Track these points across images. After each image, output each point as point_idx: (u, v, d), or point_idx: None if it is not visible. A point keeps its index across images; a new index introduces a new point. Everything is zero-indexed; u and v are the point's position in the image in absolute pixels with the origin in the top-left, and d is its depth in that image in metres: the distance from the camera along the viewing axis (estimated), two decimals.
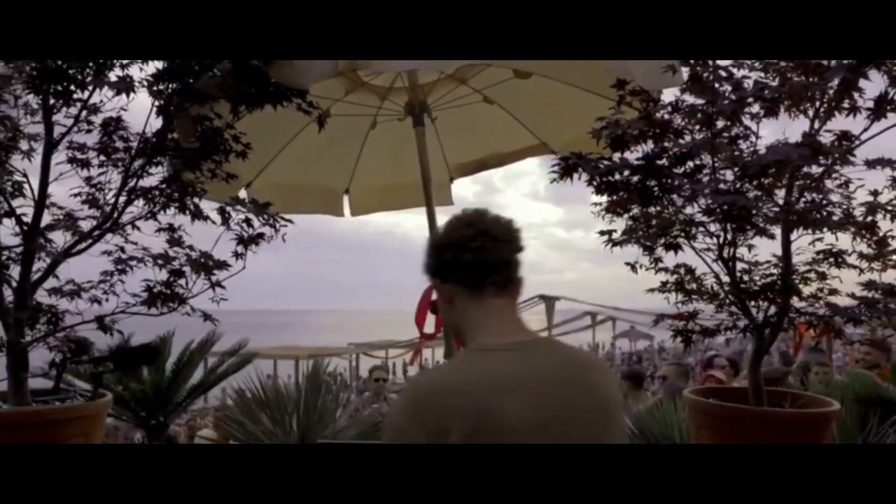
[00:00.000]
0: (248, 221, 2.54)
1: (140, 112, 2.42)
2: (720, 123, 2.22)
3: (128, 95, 2.28)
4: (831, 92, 2.09)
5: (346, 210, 4.29)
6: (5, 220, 2.37)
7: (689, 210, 2.31)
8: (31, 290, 2.34)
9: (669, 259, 2.45)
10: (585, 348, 21.47)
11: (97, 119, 2.42)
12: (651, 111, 2.32)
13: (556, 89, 3.34)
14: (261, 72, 2.38)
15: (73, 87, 2.26)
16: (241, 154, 2.60)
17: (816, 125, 2.15)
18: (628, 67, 2.32)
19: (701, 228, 2.31)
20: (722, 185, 2.21)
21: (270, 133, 3.30)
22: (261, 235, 2.54)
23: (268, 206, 2.53)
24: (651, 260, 2.47)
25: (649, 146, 2.31)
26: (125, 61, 2.26)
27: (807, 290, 2.33)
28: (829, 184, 2.19)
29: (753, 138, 2.23)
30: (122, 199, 2.45)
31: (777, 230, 2.27)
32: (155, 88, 2.36)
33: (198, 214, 2.57)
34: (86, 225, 2.47)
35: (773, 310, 2.34)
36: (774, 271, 2.33)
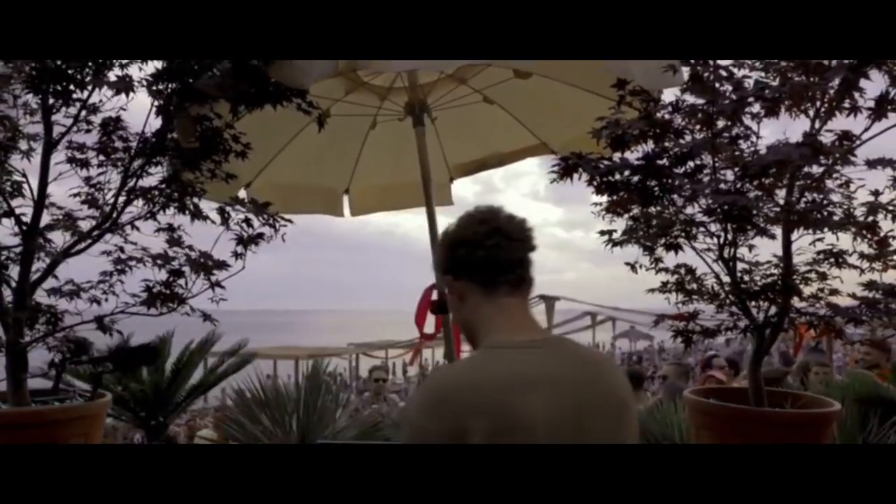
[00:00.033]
0: (247, 221, 2.54)
1: (139, 112, 2.43)
2: (721, 123, 2.22)
3: (127, 95, 2.28)
4: (832, 92, 2.09)
5: (346, 210, 4.29)
6: (4, 220, 2.37)
7: (689, 210, 2.31)
8: (30, 291, 2.33)
9: (670, 259, 2.46)
10: None
11: (96, 119, 2.42)
12: (651, 111, 2.32)
13: (556, 89, 3.33)
14: (260, 72, 2.37)
15: (72, 87, 2.26)
16: (240, 154, 2.60)
17: (817, 125, 2.15)
18: (628, 67, 2.31)
19: (701, 228, 2.31)
20: (722, 185, 2.21)
21: (270, 133, 3.30)
22: (260, 235, 2.54)
23: (267, 205, 2.52)
24: (651, 260, 2.47)
25: (650, 146, 2.31)
26: (124, 61, 2.26)
27: (807, 291, 2.33)
28: (829, 184, 2.19)
29: (754, 138, 2.23)
30: (121, 198, 2.45)
31: (778, 230, 2.27)
32: (154, 88, 2.35)
33: (197, 214, 2.56)
34: (85, 225, 2.47)
35: (773, 310, 2.33)
36: (775, 271, 2.33)
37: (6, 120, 2.34)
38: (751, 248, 2.37)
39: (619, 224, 2.43)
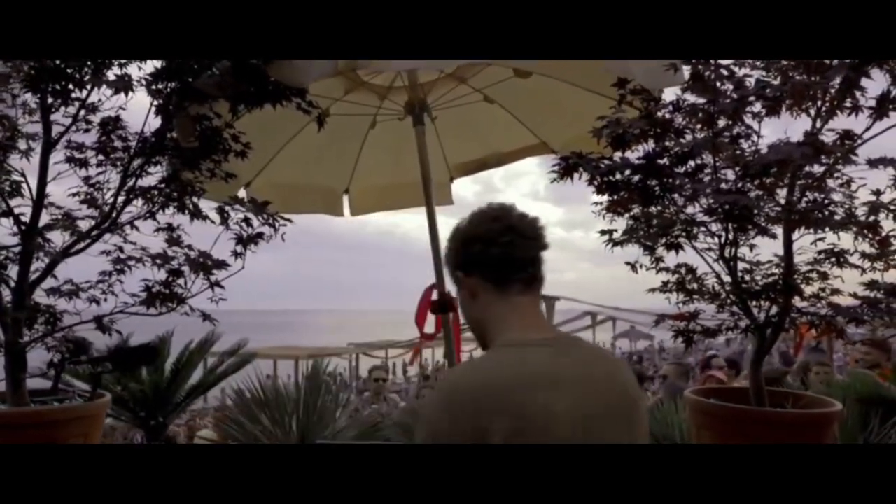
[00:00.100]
0: (247, 221, 2.53)
1: (139, 111, 2.42)
2: (722, 122, 2.22)
3: (126, 94, 2.28)
4: (833, 91, 2.08)
5: (346, 210, 4.28)
6: (3, 220, 2.36)
7: (690, 210, 2.30)
8: (29, 290, 2.33)
9: (670, 259, 2.45)
10: None
11: (95, 118, 2.42)
12: (652, 110, 2.32)
13: (556, 88, 3.33)
14: (260, 71, 2.37)
15: (71, 86, 2.25)
16: (240, 153, 2.59)
17: (818, 124, 2.15)
18: (629, 67, 2.31)
19: (702, 228, 2.30)
20: (723, 185, 2.20)
21: (270, 132, 3.29)
22: (260, 235, 2.53)
23: (267, 205, 2.52)
24: (652, 260, 2.46)
25: (650, 145, 2.30)
26: (123, 60, 2.25)
27: (809, 290, 2.33)
28: (831, 183, 2.18)
29: (755, 137, 2.22)
30: (120, 198, 2.44)
31: (779, 230, 2.27)
32: (154, 87, 2.35)
33: (197, 214, 2.56)
34: (84, 225, 2.47)
35: (774, 310, 2.33)
36: (776, 271, 2.33)
37: (5, 119, 2.34)
38: (752, 247, 2.36)
39: (620, 224, 2.43)
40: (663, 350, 29.38)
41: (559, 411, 1.12)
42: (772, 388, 2.51)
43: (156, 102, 2.39)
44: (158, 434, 4.54)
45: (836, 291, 2.32)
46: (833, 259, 2.26)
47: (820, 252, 2.27)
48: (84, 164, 2.47)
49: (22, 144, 2.39)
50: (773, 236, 2.27)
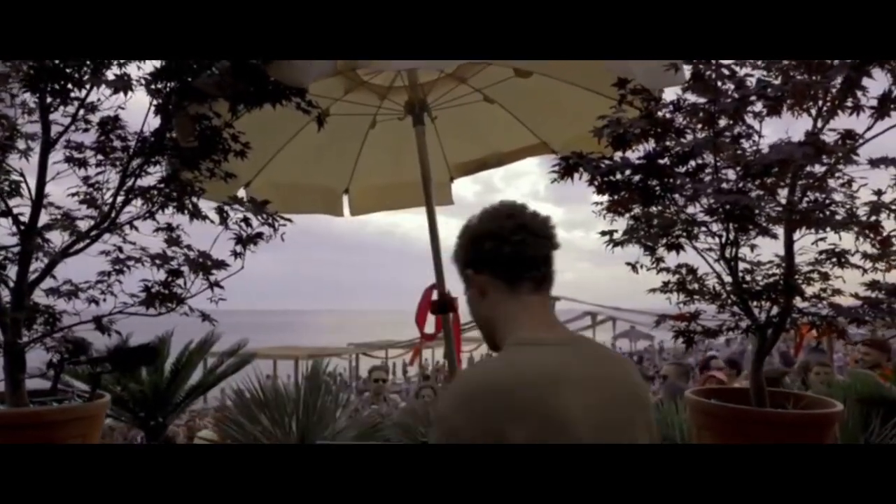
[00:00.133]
0: (246, 221, 2.52)
1: (138, 111, 2.41)
2: (722, 122, 2.21)
3: (125, 94, 2.27)
4: (834, 90, 2.08)
5: (346, 210, 4.28)
6: (2, 220, 2.35)
7: (690, 210, 2.30)
8: (28, 291, 2.32)
9: (671, 259, 2.44)
10: None
11: (95, 118, 2.41)
12: (653, 110, 2.31)
13: (556, 88, 3.32)
14: (260, 71, 2.36)
15: (70, 86, 2.25)
16: (239, 153, 2.59)
17: (819, 124, 2.14)
18: (629, 67, 2.30)
19: (703, 228, 2.30)
20: (724, 185, 2.20)
21: (269, 132, 3.29)
22: (259, 235, 2.52)
23: (266, 205, 2.51)
24: (652, 260, 2.46)
25: (651, 145, 2.30)
26: (123, 60, 2.25)
27: (810, 291, 2.32)
28: (832, 183, 2.18)
29: (756, 137, 2.22)
30: (119, 198, 2.44)
31: (780, 230, 2.26)
32: (153, 87, 2.34)
33: (196, 214, 2.55)
34: (83, 225, 2.46)
35: (775, 310, 2.32)
36: (777, 271, 2.32)
37: (4, 119, 2.33)
38: (753, 247, 2.36)
39: (620, 224, 2.42)
40: (663, 350, 29.39)
41: (576, 411, 1.11)
42: (772, 388, 2.50)
43: (155, 102, 2.38)
44: (158, 434, 4.53)
45: (837, 292, 2.31)
46: (834, 259, 2.25)
47: (821, 252, 2.27)
48: (83, 163, 2.46)
49: (21, 144, 2.38)
50: (774, 236, 2.27)
